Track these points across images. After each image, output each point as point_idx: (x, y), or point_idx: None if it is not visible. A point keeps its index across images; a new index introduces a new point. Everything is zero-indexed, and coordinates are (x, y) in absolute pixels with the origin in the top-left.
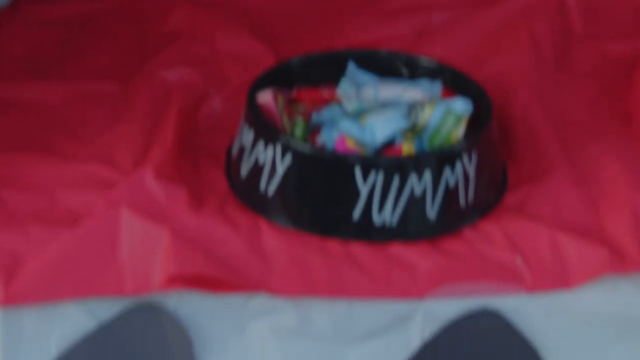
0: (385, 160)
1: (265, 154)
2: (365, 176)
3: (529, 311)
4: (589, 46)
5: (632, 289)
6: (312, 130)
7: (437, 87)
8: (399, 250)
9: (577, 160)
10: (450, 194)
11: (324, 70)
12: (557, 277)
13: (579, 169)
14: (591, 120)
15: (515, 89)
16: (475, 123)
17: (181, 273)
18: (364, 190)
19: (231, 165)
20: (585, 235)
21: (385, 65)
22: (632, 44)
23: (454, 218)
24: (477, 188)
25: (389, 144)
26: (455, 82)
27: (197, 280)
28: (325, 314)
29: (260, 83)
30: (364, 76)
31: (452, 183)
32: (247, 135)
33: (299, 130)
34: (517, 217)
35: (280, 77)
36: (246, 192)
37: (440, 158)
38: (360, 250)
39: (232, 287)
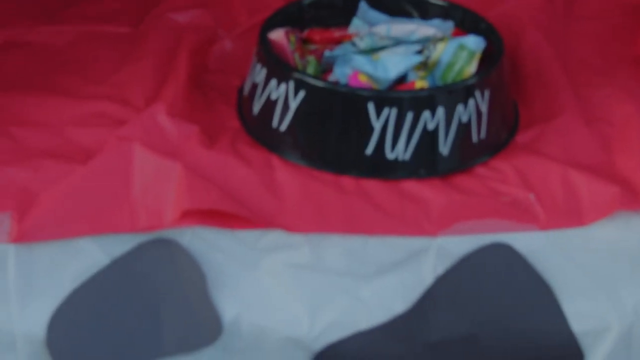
0: (399, 96)
1: (277, 90)
2: (378, 112)
3: (542, 248)
4: None
5: None
6: (325, 69)
7: (449, 25)
8: (412, 186)
9: (587, 101)
10: (463, 130)
11: (335, 12)
12: (570, 214)
13: (589, 108)
14: (601, 62)
15: (524, 30)
16: (487, 62)
17: (194, 208)
18: (377, 126)
19: (243, 104)
20: (597, 172)
21: (396, 7)
22: None
23: (467, 155)
24: (489, 125)
25: (402, 79)
26: (466, 22)
27: (210, 216)
28: (338, 250)
29: (272, 23)
30: (376, 15)
31: (464, 119)
32: (260, 73)
33: (311, 68)
34: (529, 156)
35: (291, 17)
36: (259, 129)
37: (453, 94)
38: (373, 186)
39: (246, 223)
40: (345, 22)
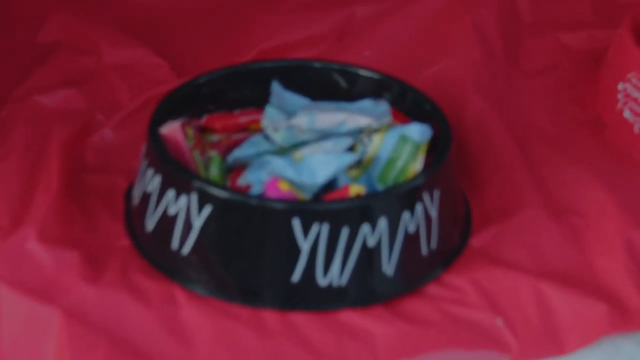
0: (331, 208)
1: (176, 204)
2: (306, 229)
3: None
4: (542, 37)
5: (636, 349)
6: (231, 169)
7: (383, 108)
8: (352, 317)
9: (549, 184)
10: (411, 243)
11: (240, 88)
12: (547, 341)
13: (552, 195)
14: (556, 128)
15: (464, 95)
16: (430, 151)
17: None
18: (305, 247)
19: (132, 215)
20: (575, 284)
21: (319, 79)
22: (589, 33)
23: (416, 272)
24: (440, 232)
25: (331, 184)
26: (405, 101)
27: None
28: None
29: (163, 110)
30: (292, 98)
31: (412, 229)
32: (152, 181)
33: (214, 170)
34: (489, 265)
35: (186, 100)
36: (154, 251)
37: (398, 199)
38: (303, 321)
39: None
40: (253, 98)
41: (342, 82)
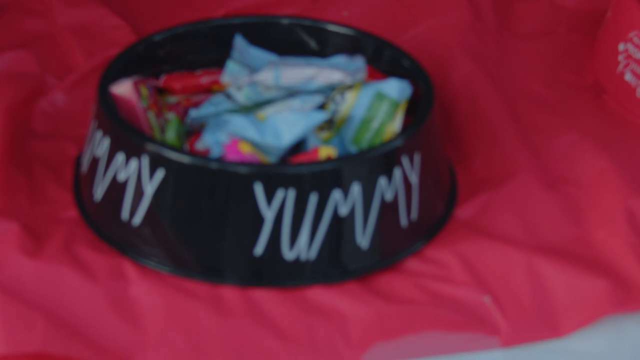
0: (297, 171)
1: (126, 168)
2: (269, 195)
3: None
4: None
5: None
6: (190, 132)
7: (359, 65)
8: (322, 295)
9: (542, 151)
10: (388, 212)
11: (202, 48)
12: (540, 322)
13: (547, 163)
14: (552, 94)
15: (451, 59)
16: (412, 112)
17: (14, 352)
18: (268, 215)
19: (81, 184)
20: (572, 259)
21: (288, 37)
22: None
23: (394, 245)
24: (422, 201)
25: (299, 146)
26: (382, 58)
27: None
28: None
29: (115, 69)
30: (257, 53)
31: (389, 196)
32: (101, 144)
33: (171, 132)
34: (476, 238)
35: (142, 59)
36: (103, 221)
37: (373, 163)
38: (267, 299)
39: None
40: (216, 59)
41: (313, 41)
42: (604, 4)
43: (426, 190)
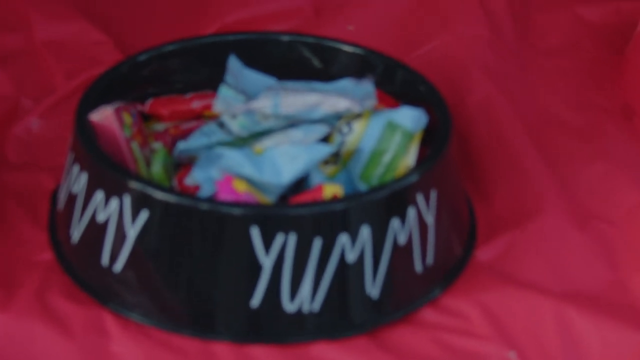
0: (298, 213)
1: (106, 208)
2: (267, 240)
3: None
4: (558, 11)
5: None
6: (179, 165)
7: (368, 90)
8: (327, 352)
9: (570, 184)
10: (401, 257)
11: (192, 68)
12: None
13: (575, 197)
14: (576, 116)
15: (468, 79)
16: (425, 141)
17: None
18: (266, 263)
19: (57, 222)
20: (607, 308)
21: (286, 56)
22: (614, 5)
23: (408, 294)
24: (438, 243)
25: (301, 183)
26: (395, 81)
27: None
28: None
29: (95, 92)
30: (253, 76)
31: (402, 240)
32: (78, 179)
33: (158, 165)
34: (499, 284)
35: (125, 81)
36: (81, 266)
37: (384, 202)
38: (265, 357)
39: None
40: (207, 80)
41: (316, 60)
42: (633, 17)
43: (443, 231)
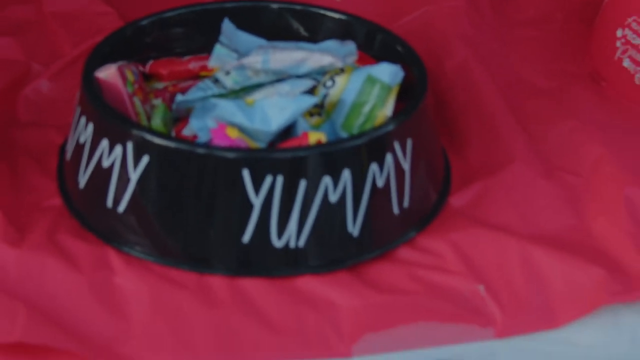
0: (286, 157)
1: (111, 155)
2: (257, 181)
3: None
4: None
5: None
6: (178, 118)
7: (350, 49)
8: (312, 284)
9: (539, 139)
10: (379, 199)
11: (190, 34)
12: (537, 313)
13: (544, 151)
14: (548, 81)
15: (447, 45)
16: (405, 98)
17: None
18: (256, 202)
19: (65, 172)
20: (569, 248)
21: (276, 23)
22: None
23: (386, 233)
24: (414, 188)
25: (288, 131)
26: (374, 44)
27: (20, 350)
28: None
29: (100, 54)
30: (247, 38)
31: (381, 183)
32: (85, 130)
33: (157, 119)
34: (471, 226)
35: (128, 45)
36: (87, 210)
37: (364, 148)
38: (256, 288)
39: (73, 357)
40: (205, 45)
41: (302, 26)
42: None
43: (419, 177)
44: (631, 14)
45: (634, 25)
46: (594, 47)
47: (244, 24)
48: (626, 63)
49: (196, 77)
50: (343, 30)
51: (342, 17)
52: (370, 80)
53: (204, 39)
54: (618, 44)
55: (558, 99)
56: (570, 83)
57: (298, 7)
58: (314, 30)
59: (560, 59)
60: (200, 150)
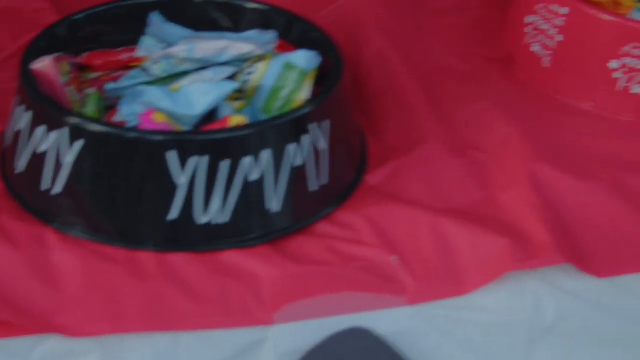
0: (209, 138)
1: (47, 140)
2: (183, 162)
3: (412, 327)
4: None
5: (543, 286)
6: (110, 105)
7: (270, 38)
8: (235, 257)
9: (452, 122)
10: (298, 177)
11: (121, 27)
12: (446, 280)
13: (456, 132)
14: (463, 65)
15: (366, 34)
16: (323, 83)
17: None
18: (182, 181)
19: (5, 157)
20: (477, 220)
21: (201, 15)
22: None
23: (304, 209)
24: (332, 166)
25: (212, 115)
26: (293, 32)
27: None
28: (141, 355)
29: (36, 48)
30: (173, 29)
31: (298, 162)
32: (23, 117)
33: (91, 106)
34: (385, 202)
35: (63, 39)
36: (25, 192)
37: (282, 129)
38: (182, 262)
39: (12, 329)
40: (136, 37)
41: (225, 18)
42: None
43: (336, 156)
44: (539, 1)
45: (541, 11)
46: (507, 33)
47: (171, 17)
48: (535, 48)
49: (128, 67)
50: (264, 21)
51: (263, 7)
52: (288, 66)
53: (134, 31)
54: (527, 29)
55: (472, 81)
56: (484, 67)
57: (220, 0)
58: (237, 21)
59: (476, 44)
60: (128, 134)
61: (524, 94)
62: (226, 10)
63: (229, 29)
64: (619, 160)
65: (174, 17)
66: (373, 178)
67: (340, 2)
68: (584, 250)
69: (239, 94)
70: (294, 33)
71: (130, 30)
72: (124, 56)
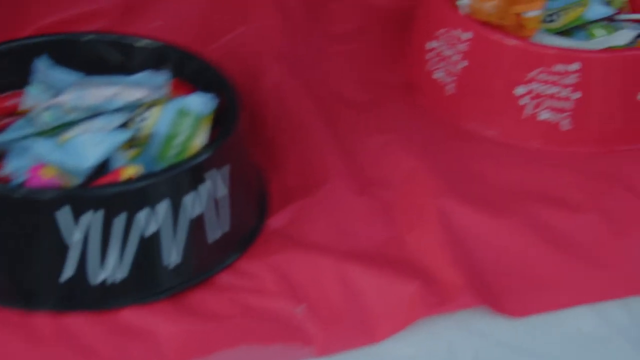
0: (99, 194)
1: None
2: (75, 219)
3: None
4: None
5: (457, 331)
6: None
7: (163, 79)
8: (134, 316)
9: (354, 155)
10: (197, 228)
11: (6, 70)
12: (355, 329)
13: (358, 166)
14: (364, 93)
15: (261, 64)
16: (220, 123)
17: None
18: (75, 239)
19: None
20: (384, 263)
21: (89, 55)
22: None
23: (205, 260)
24: (232, 213)
25: (104, 166)
26: (186, 69)
27: None
28: None
29: None
30: (60, 75)
31: (196, 212)
32: None
33: None
34: (289, 247)
35: None
36: None
37: (177, 179)
38: (79, 323)
39: None
40: (23, 80)
41: (116, 56)
42: (415, 1)
43: (236, 202)
44: (441, 26)
45: (443, 37)
46: (408, 59)
47: (59, 58)
48: (438, 74)
49: (12, 113)
50: (156, 58)
51: (154, 45)
52: (182, 113)
53: (21, 74)
54: (429, 55)
55: (373, 111)
56: (386, 94)
57: (109, 38)
58: (128, 59)
59: (377, 70)
60: (15, 193)
61: (427, 123)
62: (116, 48)
63: (120, 68)
64: (530, 192)
65: (61, 57)
66: (275, 221)
67: (236, 32)
68: (497, 291)
69: (133, 142)
70: (188, 71)
71: (16, 72)
72: (9, 103)
